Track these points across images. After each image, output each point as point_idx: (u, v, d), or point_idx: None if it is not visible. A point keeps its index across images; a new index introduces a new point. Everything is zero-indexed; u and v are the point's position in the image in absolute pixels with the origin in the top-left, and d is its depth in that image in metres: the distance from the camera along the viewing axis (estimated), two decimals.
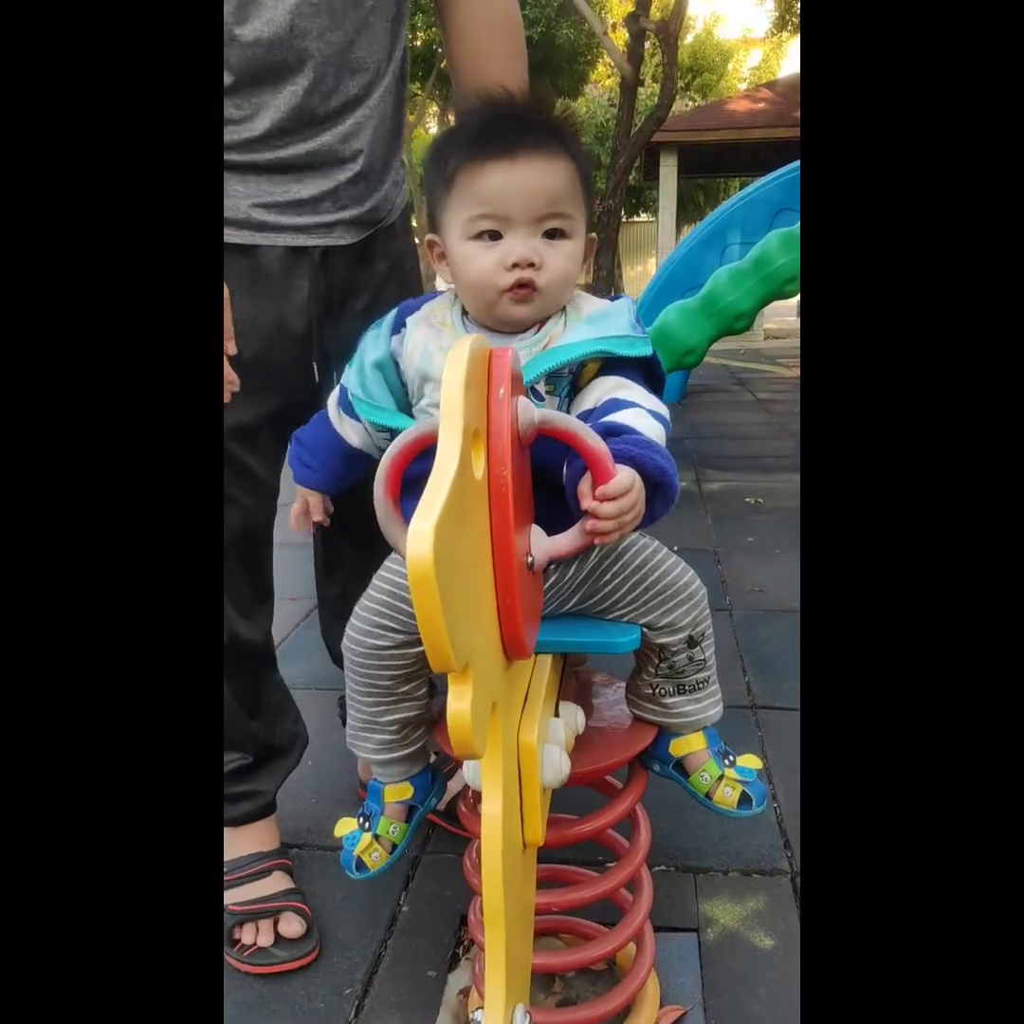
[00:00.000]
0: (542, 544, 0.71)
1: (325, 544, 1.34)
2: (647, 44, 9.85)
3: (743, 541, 2.83)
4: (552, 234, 0.82)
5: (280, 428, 1.12)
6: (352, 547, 1.29)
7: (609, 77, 16.31)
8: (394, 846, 0.98)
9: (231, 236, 1.04)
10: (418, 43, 12.25)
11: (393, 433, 0.92)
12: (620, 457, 0.69)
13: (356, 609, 0.94)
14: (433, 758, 1.04)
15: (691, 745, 0.93)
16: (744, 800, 0.91)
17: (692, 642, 0.89)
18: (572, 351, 0.79)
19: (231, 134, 1.00)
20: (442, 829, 1.37)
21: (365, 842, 0.97)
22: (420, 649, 0.92)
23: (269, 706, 1.25)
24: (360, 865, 0.96)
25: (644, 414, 0.75)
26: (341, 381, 0.95)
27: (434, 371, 0.85)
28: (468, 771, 0.79)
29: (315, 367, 1.11)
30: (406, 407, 0.91)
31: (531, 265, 0.81)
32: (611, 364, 0.81)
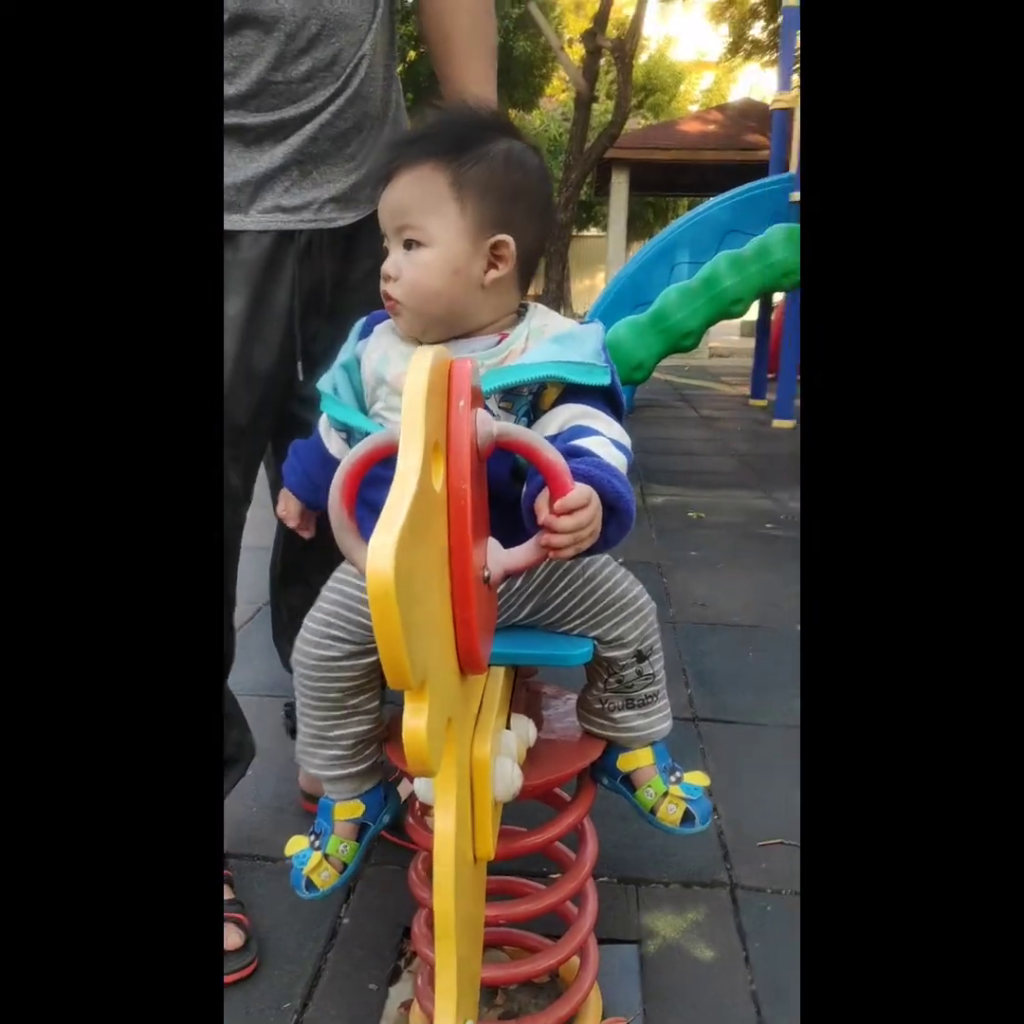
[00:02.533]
0: (498, 557, 0.71)
1: (287, 551, 1.32)
2: (602, 61, 9.97)
3: (686, 555, 2.88)
4: (408, 245, 0.83)
5: (258, 433, 1.11)
6: (309, 558, 1.28)
7: (564, 91, 16.46)
8: (345, 865, 0.97)
9: None
10: None
11: (349, 432, 0.92)
12: (578, 476, 0.70)
13: (306, 621, 0.93)
14: (384, 774, 1.03)
15: (638, 760, 0.94)
16: (687, 818, 0.92)
17: (640, 656, 0.90)
18: (530, 371, 0.79)
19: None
20: (384, 840, 1.36)
21: (315, 861, 0.95)
22: (371, 660, 0.92)
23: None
24: (309, 885, 0.95)
25: (607, 443, 0.76)
26: (318, 385, 0.94)
27: (388, 374, 0.85)
28: (420, 787, 0.79)
29: (300, 368, 1.10)
30: (365, 412, 0.91)
31: (388, 278, 0.84)
32: (574, 390, 0.81)
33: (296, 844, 0.99)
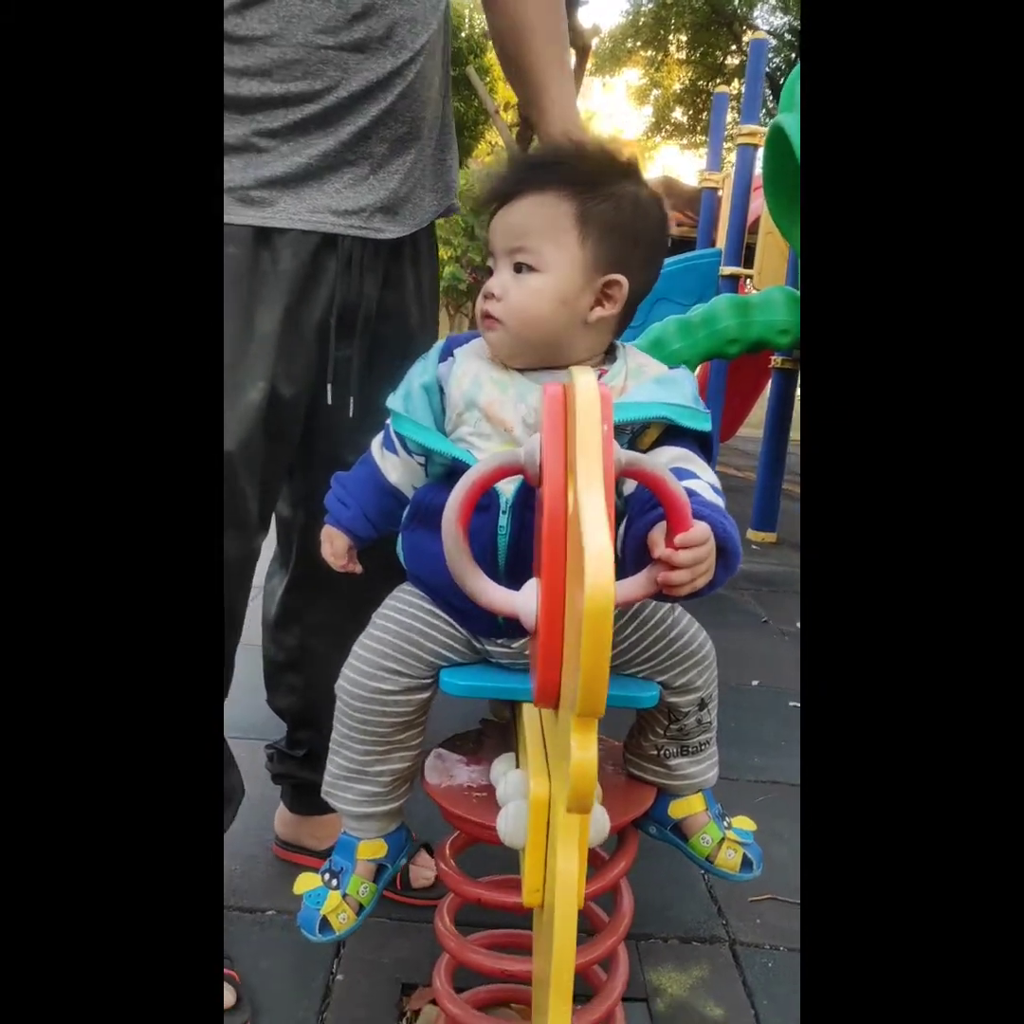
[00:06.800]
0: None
1: (288, 594, 1.26)
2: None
3: None
4: (519, 268, 0.83)
5: (278, 459, 1.06)
6: (317, 600, 1.23)
7: (489, 155, 16.87)
8: (361, 907, 0.91)
9: (239, 215, 0.96)
10: None
11: (428, 456, 0.89)
12: (694, 515, 0.69)
13: (356, 649, 0.88)
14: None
15: (691, 807, 0.92)
16: (745, 863, 0.91)
17: (702, 704, 0.90)
18: (643, 410, 0.78)
19: (240, 58, 0.92)
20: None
21: (333, 902, 0.89)
22: (425, 695, 0.88)
23: None
24: (324, 926, 0.89)
25: (708, 488, 0.76)
26: (387, 404, 0.91)
27: (481, 400, 0.84)
28: (507, 830, 0.74)
29: (329, 391, 1.06)
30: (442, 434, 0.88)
31: (491, 296, 0.83)
32: (673, 433, 0.81)
33: (307, 881, 0.92)
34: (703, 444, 0.82)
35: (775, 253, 4.80)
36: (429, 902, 1.23)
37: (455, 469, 0.83)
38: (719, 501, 0.76)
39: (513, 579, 0.80)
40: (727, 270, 5.18)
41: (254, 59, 0.93)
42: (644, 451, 0.80)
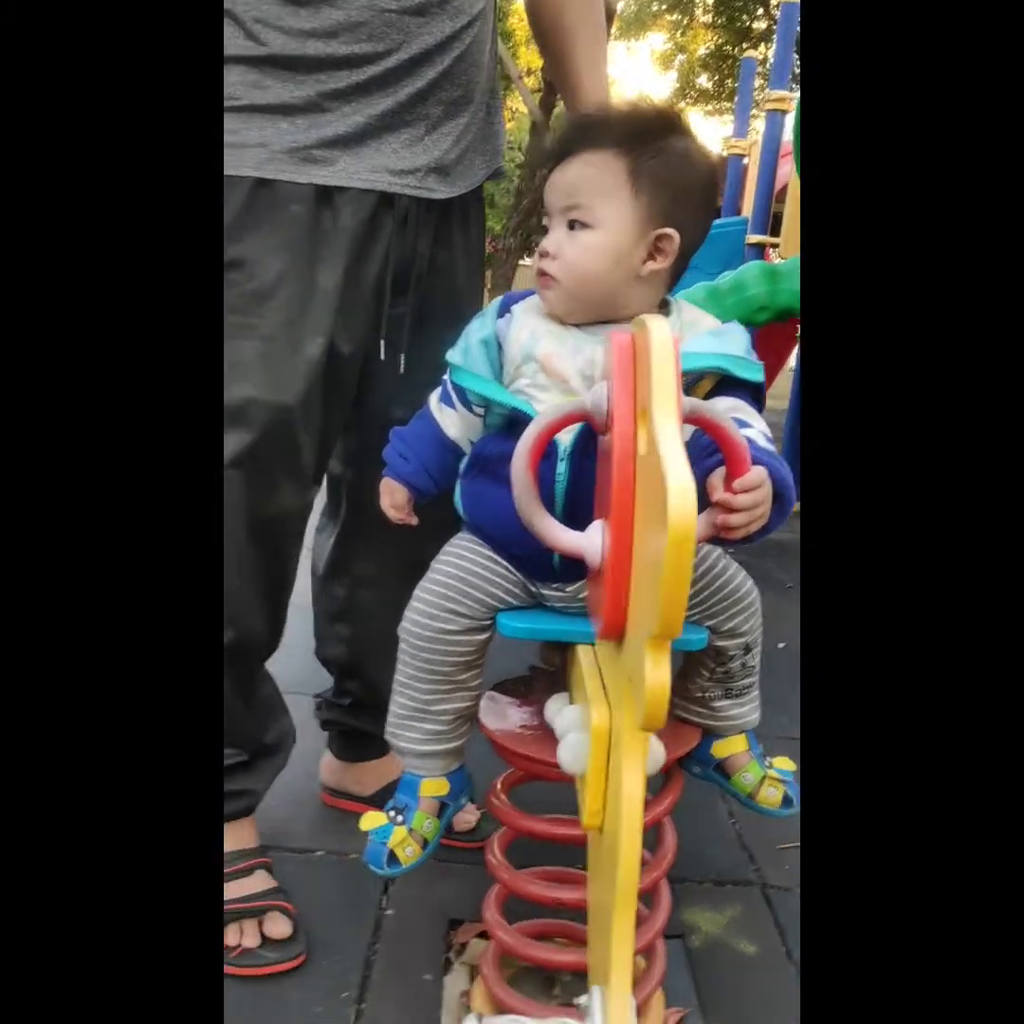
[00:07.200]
0: None
1: (338, 546, 1.30)
2: (557, 96, 10.16)
3: None
4: (572, 225, 0.86)
5: (334, 413, 1.09)
6: (367, 554, 1.26)
7: (510, 121, 16.70)
8: (426, 842, 0.96)
9: (303, 174, 0.99)
10: None
11: (487, 407, 0.92)
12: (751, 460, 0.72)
13: (417, 593, 0.92)
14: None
15: (734, 746, 0.96)
16: (785, 799, 0.95)
17: (747, 648, 0.93)
18: (700, 360, 0.81)
19: (305, 21, 0.95)
20: None
21: (400, 835, 0.94)
22: (484, 636, 0.92)
23: (263, 702, 1.20)
24: (392, 859, 0.94)
25: (761, 436, 0.78)
26: (447, 358, 0.94)
27: (538, 352, 0.87)
28: (567, 756, 0.78)
29: (383, 346, 1.09)
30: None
31: (547, 254, 0.86)
32: (727, 384, 0.83)
33: (373, 819, 0.97)
34: (755, 395, 0.85)
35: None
36: (471, 845, 1.28)
37: (514, 420, 0.86)
38: (772, 448, 0.79)
39: (570, 522, 0.83)
40: (753, 238, 5.14)
41: (320, 21, 0.96)
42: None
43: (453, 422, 0.97)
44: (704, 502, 0.73)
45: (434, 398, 0.99)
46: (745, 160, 6.02)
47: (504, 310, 0.92)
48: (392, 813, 0.96)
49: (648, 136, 0.85)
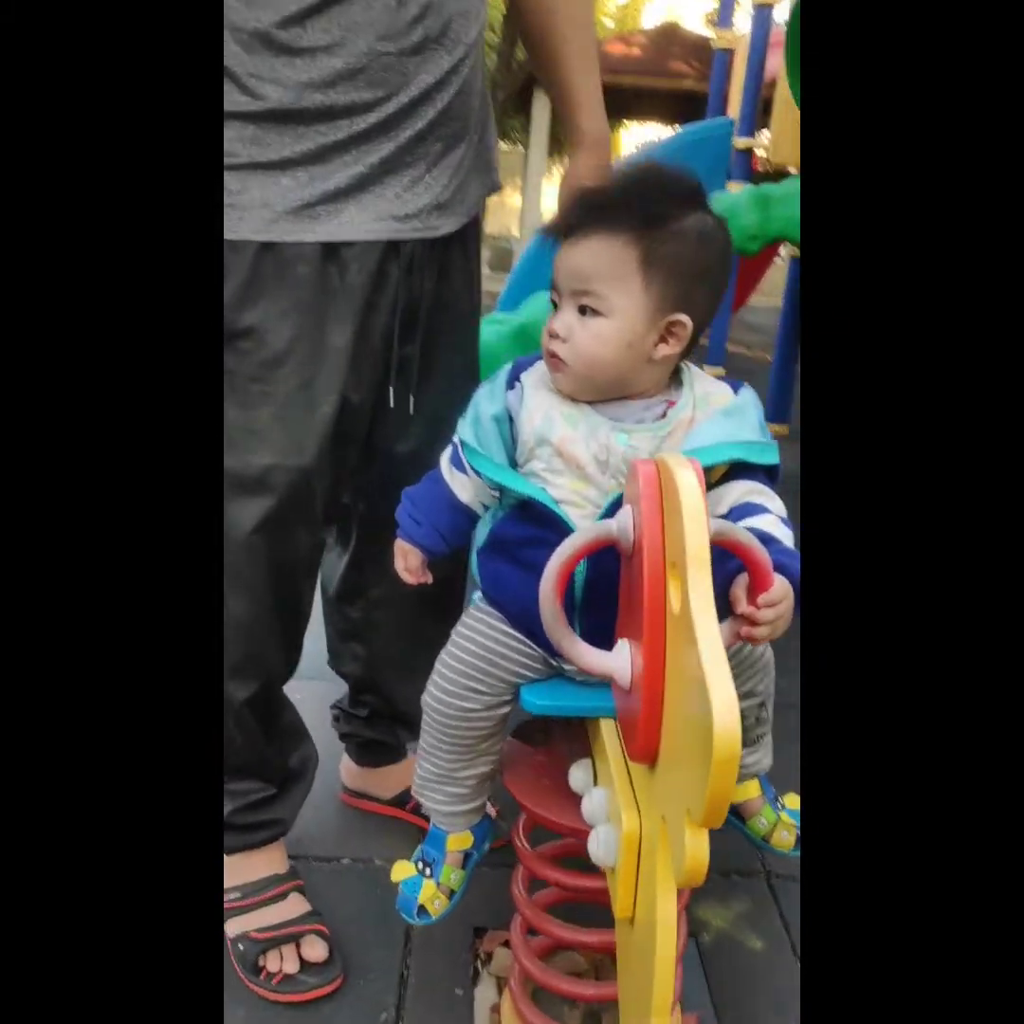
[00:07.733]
0: None
1: (350, 570, 1.31)
2: None
3: None
4: (584, 310, 0.84)
5: (348, 453, 1.09)
6: (382, 579, 1.27)
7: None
8: (452, 892, 1.01)
9: (308, 232, 0.96)
10: None
11: (502, 490, 0.91)
12: (775, 567, 0.73)
13: (439, 667, 0.94)
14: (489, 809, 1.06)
15: (748, 792, 1.00)
16: (797, 841, 1.00)
17: (762, 705, 0.96)
18: (717, 453, 0.81)
19: (301, 72, 0.91)
20: None
21: (429, 891, 0.99)
22: (506, 711, 0.94)
23: (284, 731, 1.23)
24: (421, 912, 0.99)
25: (778, 522, 0.79)
26: (457, 434, 0.93)
27: (553, 437, 0.86)
28: (602, 848, 0.81)
29: (391, 393, 1.08)
30: (513, 465, 0.91)
31: (556, 336, 0.85)
32: (742, 465, 0.83)
33: (403, 870, 1.02)
34: (770, 474, 0.85)
35: (791, 124, 4.57)
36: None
37: (530, 502, 0.86)
38: (788, 533, 0.80)
39: (587, 612, 0.85)
40: (741, 143, 4.96)
41: (317, 71, 0.91)
42: (714, 484, 0.83)
43: (464, 486, 0.96)
44: (726, 604, 0.74)
45: (445, 460, 0.98)
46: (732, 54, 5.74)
47: (513, 380, 0.90)
48: (420, 865, 1.01)
49: (661, 219, 0.82)
